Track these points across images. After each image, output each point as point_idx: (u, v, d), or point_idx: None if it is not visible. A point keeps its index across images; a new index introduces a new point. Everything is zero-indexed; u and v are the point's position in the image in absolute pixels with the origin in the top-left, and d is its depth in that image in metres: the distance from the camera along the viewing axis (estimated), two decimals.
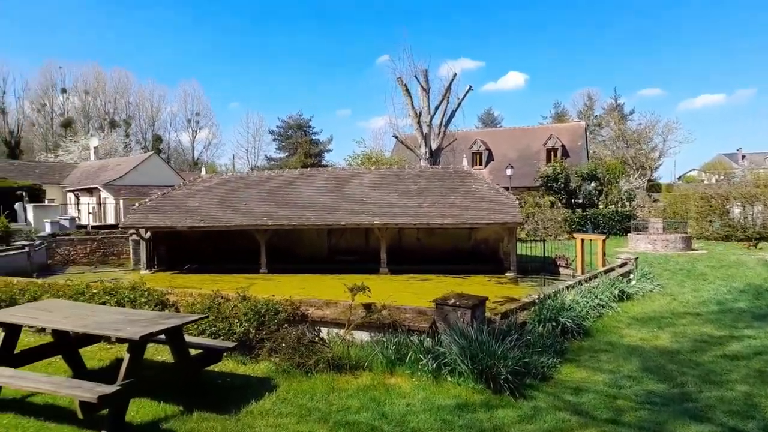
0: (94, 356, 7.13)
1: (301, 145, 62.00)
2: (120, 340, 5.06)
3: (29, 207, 27.49)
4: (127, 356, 5.07)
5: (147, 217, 17.97)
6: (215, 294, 7.84)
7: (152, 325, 5.29)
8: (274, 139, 71.52)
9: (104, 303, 7.99)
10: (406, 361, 6.51)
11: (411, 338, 6.79)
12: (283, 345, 6.62)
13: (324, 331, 7.31)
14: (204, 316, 6.53)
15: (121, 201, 32.92)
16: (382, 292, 7.34)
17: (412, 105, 30.19)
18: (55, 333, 6.17)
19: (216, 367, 6.44)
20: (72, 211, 38.18)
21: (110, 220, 35.43)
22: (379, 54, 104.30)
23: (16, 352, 5.88)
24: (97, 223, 33.45)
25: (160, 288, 8.63)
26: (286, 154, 67.57)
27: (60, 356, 6.45)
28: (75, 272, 18.65)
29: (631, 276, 13.25)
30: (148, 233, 18.47)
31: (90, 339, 6.40)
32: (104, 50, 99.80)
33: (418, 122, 29.95)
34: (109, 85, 77.89)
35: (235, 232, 18.31)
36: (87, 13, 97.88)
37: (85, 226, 29.34)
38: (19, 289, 8.66)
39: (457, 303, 6.68)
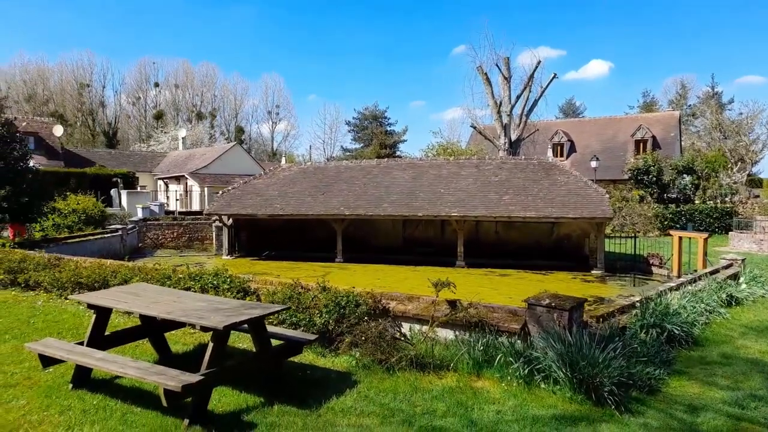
0: (178, 340, 7.21)
1: (377, 136, 62.16)
2: (204, 329, 4.97)
3: (123, 193, 29.28)
4: (210, 345, 4.98)
5: (230, 205, 18.50)
6: (295, 283, 7.71)
7: (236, 314, 5.17)
8: (349, 131, 72.39)
9: (188, 288, 8.11)
10: (495, 363, 6.04)
11: (500, 339, 6.30)
12: (364, 339, 6.35)
13: (405, 327, 6.97)
14: (286, 307, 6.38)
15: (206, 188, 34.38)
16: (461, 287, 6.89)
17: (492, 95, 29.20)
18: (143, 317, 6.24)
19: (296, 359, 6.28)
20: (161, 198, 40.39)
21: (195, 206, 37.17)
22: (454, 45, 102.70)
23: (106, 334, 5.99)
24: (183, 210, 35.21)
25: (242, 275, 8.65)
26: (362, 145, 68.09)
27: (146, 339, 6.55)
28: (163, 255, 19.63)
29: (740, 279, 11.93)
30: (230, 220, 19.02)
31: (176, 324, 6.43)
32: (194, 46, 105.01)
33: (498, 112, 28.94)
34: (197, 79, 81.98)
35: (313, 220, 18.46)
36: (179, 11, 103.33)
37: (173, 212, 30.92)
38: (111, 272, 9.00)
39: (553, 304, 6.11)
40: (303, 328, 6.69)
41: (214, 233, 21.11)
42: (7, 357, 6.47)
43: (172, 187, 42.55)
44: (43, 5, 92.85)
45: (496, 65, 29.19)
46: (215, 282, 8.13)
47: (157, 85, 79.56)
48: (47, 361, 5.48)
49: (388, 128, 67.27)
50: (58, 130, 39.75)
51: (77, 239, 15.81)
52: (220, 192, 19.78)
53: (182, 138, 53.33)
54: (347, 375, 6.07)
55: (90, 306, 5.85)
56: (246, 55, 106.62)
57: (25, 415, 4.92)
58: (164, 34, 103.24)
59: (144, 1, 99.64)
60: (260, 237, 20.10)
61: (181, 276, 8.48)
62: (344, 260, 18.13)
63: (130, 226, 20.47)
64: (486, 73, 29.07)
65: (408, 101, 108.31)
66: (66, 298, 9.42)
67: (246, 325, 5.29)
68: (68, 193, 18.59)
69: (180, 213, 31.73)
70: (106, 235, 17.61)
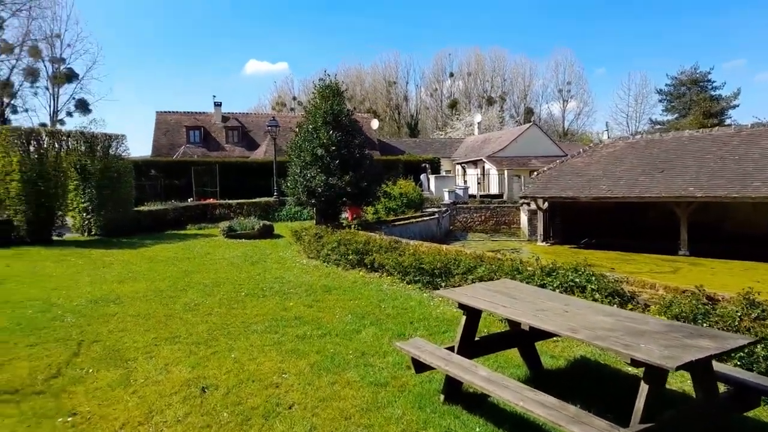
0: (544, 349, 5.92)
1: (697, 104, 52.15)
2: (636, 362, 3.44)
3: (431, 177, 30.71)
4: (645, 388, 3.40)
5: (546, 187, 16.94)
6: (698, 291, 5.58)
7: (675, 344, 3.47)
8: (660, 100, 62.85)
9: (543, 285, 6.79)
10: None
11: None
12: None
13: None
14: (754, 340, 4.22)
15: (506, 171, 33.72)
16: None
17: None
18: (512, 321, 5.09)
19: (750, 413, 4.24)
20: (459, 182, 41.65)
21: (493, 189, 37.03)
22: None
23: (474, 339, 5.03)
24: (483, 193, 35.41)
25: (608, 274, 6.91)
26: (675, 115, 58.34)
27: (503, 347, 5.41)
28: (475, 239, 19.46)
29: None
30: (546, 203, 17.48)
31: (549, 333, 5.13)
32: (484, 32, 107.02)
33: None
34: (487, 65, 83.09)
35: (642, 204, 15.47)
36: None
37: (474, 196, 31.21)
38: (452, 259, 8.34)
39: None
40: (757, 368, 4.56)
41: (524, 217, 19.96)
42: (371, 347, 6.16)
43: (470, 171, 43.41)
44: (357, 13, 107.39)
45: None
46: (577, 280, 6.60)
47: (451, 75, 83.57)
48: (421, 366, 4.77)
49: (713, 93, 55.78)
50: (375, 124, 44.60)
51: (402, 222, 16.59)
52: (535, 174, 18.43)
53: (478, 123, 54.35)
54: None
55: (461, 306, 4.94)
56: (533, 32, 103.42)
57: None
58: (458, 23, 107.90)
59: None
60: (577, 222, 18.01)
61: (530, 269, 7.23)
62: (690, 253, 14.65)
63: (443, 209, 20.87)
64: None
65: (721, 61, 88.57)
66: (408, 283, 9.27)
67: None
68: (391, 180, 19.84)
69: (482, 196, 31.86)
70: (425, 218, 18.16)
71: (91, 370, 5.53)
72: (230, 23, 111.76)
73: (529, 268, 7.25)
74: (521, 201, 23.64)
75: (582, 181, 16.18)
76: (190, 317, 7.51)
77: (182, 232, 18.37)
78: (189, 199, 25.30)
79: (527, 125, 45.13)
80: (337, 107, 14.25)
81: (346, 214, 16.50)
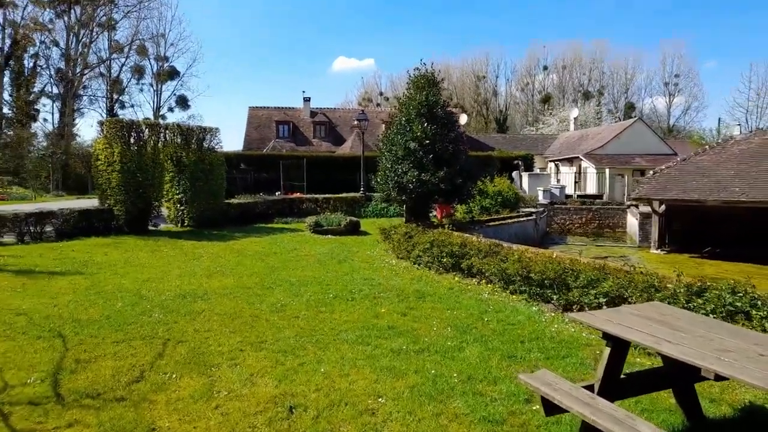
0: (700, 390, 4.73)
1: None
2: None
3: (524, 175, 29.04)
4: None
5: (665, 188, 15.05)
6: None
7: None
8: None
9: (688, 305, 5.55)
10: None
11: None
12: None
13: None
14: None
15: (607, 170, 31.25)
16: None
17: None
18: (667, 358, 4.00)
19: None
20: (553, 180, 39.37)
21: (590, 189, 34.52)
22: None
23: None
24: (579, 193, 33.09)
25: None
26: None
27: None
28: (576, 243, 17.86)
29: None
30: (662, 206, 15.57)
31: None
32: (584, 24, 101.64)
33: None
34: (585, 58, 78.70)
35: None
36: None
37: (570, 196, 29.16)
38: (569, 269, 7.19)
39: None
40: None
41: (633, 221, 18.07)
42: (478, 369, 5.26)
43: (564, 169, 40.98)
44: (448, 11, 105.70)
45: None
46: (739, 304, 5.30)
47: (545, 68, 79.98)
48: (553, 408, 3.82)
49: None
50: (463, 119, 43.23)
51: (497, 222, 15.46)
52: (650, 173, 16.52)
53: (574, 118, 51.30)
54: None
55: (606, 336, 3.92)
56: (641, 23, 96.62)
57: None
58: (552, 17, 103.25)
59: None
60: (698, 228, 15.95)
61: (671, 286, 5.99)
62: None
63: (540, 209, 19.42)
64: None
65: None
66: (512, 293, 8.26)
67: None
68: (487, 176, 18.67)
69: (579, 196, 29.74)
70: (521, 219, 16.88)
71: (174, 376, 5.09)
72: (320, 19, 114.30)
73: (668, 286, 6.01)
74: (628, 203, 21.58)
75: (709, 183, 14.16)
76: (277, 320, 7.00)
77: (270, 225, 18.37)
78: (276, 193, 25.55)
79: (631, 120, 41.74)
80: (433, 98, 13.36)
81: (434, 213, 15.62)
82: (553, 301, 7.39)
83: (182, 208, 17.21)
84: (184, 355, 5.69)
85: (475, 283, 9.14)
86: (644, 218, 16.75)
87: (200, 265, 11.01)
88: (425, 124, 12.93)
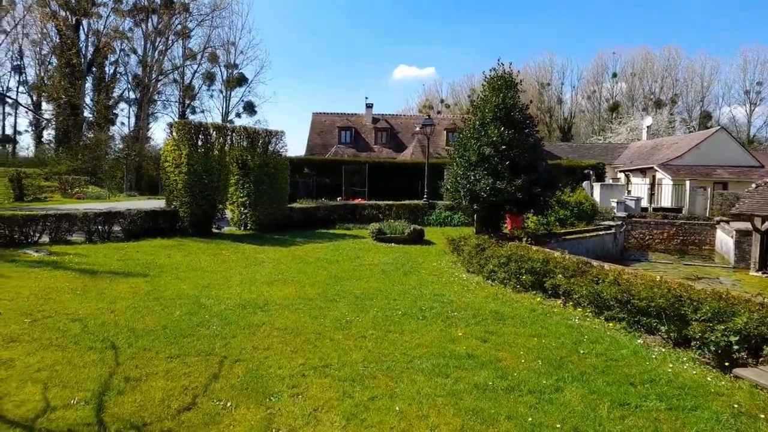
0: None
1: None
2: None
3: (596, 185, 27.30)
4: None
5: None
6: None
7: None
8: None
9: None
10: None
11: None
12: None
13: None
14: None
15: (687, 182, 28.92)
16: None
17: None
18: None
19: None
20: (627, 192, 37.05)
21: (666, 202, 32.18)
22: None
23: None
24: (654, 206, 30.89)
25: None
26: None
27: None
28: (660, 261, 16.26)
29: None
30: (766, 224, 13.84)
31: None
32: (656, 31, 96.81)
33: None
34: (657, 65, 74.81)
35: None
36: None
37: (646, 209, 27.18)
38: (685, 297, 6.05)
39: None
40: None
41: (725, 238, 16.28)
42: (585, 420, 4.34)
43: (635, 179, 38.63)
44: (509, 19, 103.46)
45: None
46: None
47: (614, 75, 76.54)
48: None
49: None
50: None
51: (574, 235, 14.22)
52: (753, 186, 14.78)
53: (647, 127, 48.38)
54: None
55: None
56: (719, 28, 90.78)
57: None
58: (621, 24, 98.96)
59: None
60: None
61: None
62: None
63: (619, 223, 17.92)
64: None
65: None
66: (606, 320, 7.20)
67: None
68: (569, 186, 17.37)
69: (654, 209, 27.69)
70: (599, 232, 15.52)
71: (229, 404, 4.49)
72: (379, 27, 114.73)
73: None
74: (717, 218, 19.62)
75: None
76: (342, 339, 6.33)
77: (331, 231, 17.91)
78: (338, 198, 25.19)
79: (713, 129, 38.75)
80: (510, 101, 12.35)
81: (505, 223, 14.60)
82: (661, 333, 6.31)
83: (246, 211, 17.02)
84: (241, 377, 5.10)
85: (560, 305, 8.14)
86: (741, 236, 14.97)
87: (261, 271, 10.57)
88: (502, 129, 11.95)
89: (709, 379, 5.16)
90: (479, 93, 13.54)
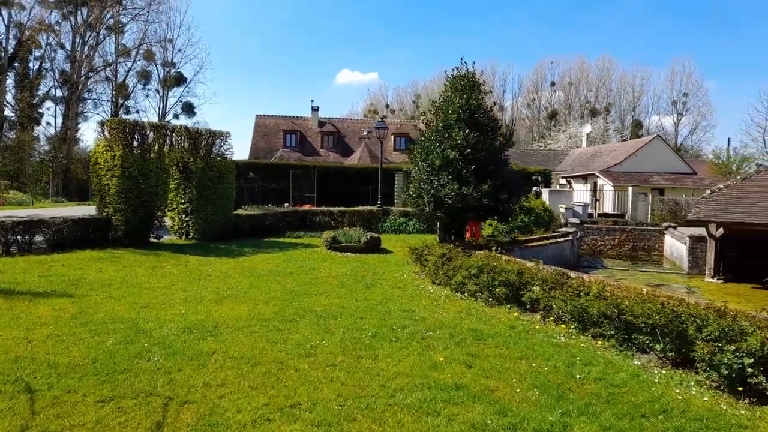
0: None
1: None
2: None
3: (544, 192, 27.58)
4: None
5: (725, 209, 13.55)
6: None
7: None
8: None
9: None
10: None
11: None
12: None
13: None
14: None
15: (630, 188, 29.80)
16: None
17: None
18: None
19: None
20: (574, 197, 37.93)
21: (607, 208, 33.20)
22: None
23: None
24: (598, 211, 31.65)
25: None
26: None
27: None
28: (617, 268, 16.26)
29: None
30: (719, 230, 14.04)
31: None
32: (592, 40, 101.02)
33: None
34: (592, 75, 77.93)
35: None
36: (574, 5, 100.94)
37: (591, 215, 27.71)
38: (687, 314, 5.61)
39: None
40: None
41: (678, 245, 16.55)
42: None
43: (577, 186, 39.65)
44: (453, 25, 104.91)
45: None
46: None
47: (553, 84, 79.08)
48: None
49: None
50: None
51: (535, 242, 13.93)
52: (708, 192, 15.01)
53: (587, 134, 50.05)
54: None
55: None
56: (648, 41, 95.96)
57: None
58: (562, 32, 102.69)
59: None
60: (755, 256, 14.40)
61: None
62: None
63: (574, 229, 17.90)
64: None
65: None
66: (593, 337, 6.71)
67: None
68: (532, 193, 17.14)
69: (598, 215, 28.32)
70: (558, 239, 15.35)
71: None
72: (322, 33, 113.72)
73: None
74: (665, 224, 20.08)
75: None
76: (308, 368, 5.48)
77: (281, 240, 16.87)
78: (286, 204, 24.08)
79: (649, 137, 40.44)
80: (475, 102, 11.86)
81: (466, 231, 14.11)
82: (656, 352, 5.86)
83: (188, 218, 15.70)
84: (191, 425, 4.17)
85: (540, 320, 7.61)
86: (694, 242, 15.21)
87: (208, 287, 9.49)
88: (467, 131, 11.42)
89: (724, 407, 4.70)
90: (441, 93, 12.99)
